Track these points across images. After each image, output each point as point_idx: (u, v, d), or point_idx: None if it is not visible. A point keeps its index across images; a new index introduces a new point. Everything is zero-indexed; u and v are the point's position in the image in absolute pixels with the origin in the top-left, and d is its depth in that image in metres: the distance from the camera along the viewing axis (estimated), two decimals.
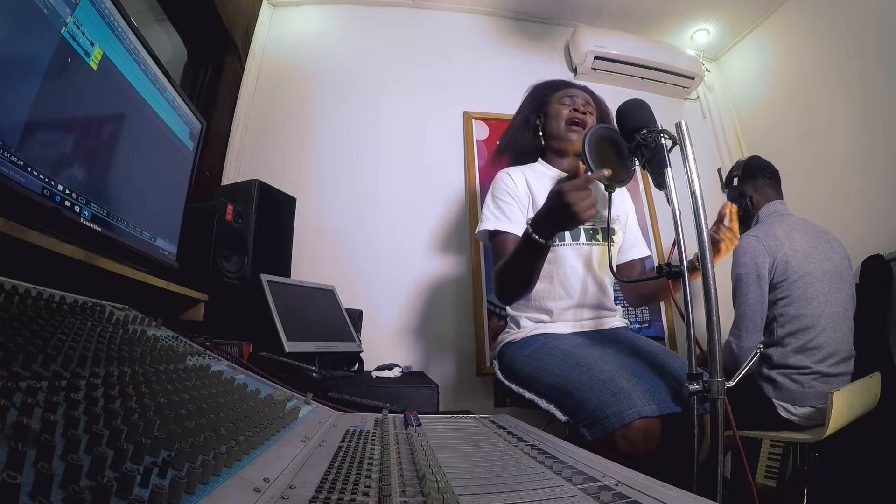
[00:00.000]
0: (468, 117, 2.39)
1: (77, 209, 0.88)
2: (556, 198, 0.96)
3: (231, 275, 1.46)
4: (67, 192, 0.85)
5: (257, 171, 1.83)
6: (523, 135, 1.46)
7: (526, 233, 1.04)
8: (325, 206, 2.14)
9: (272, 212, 1.72)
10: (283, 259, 1.80)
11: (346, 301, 1.74)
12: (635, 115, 1.00)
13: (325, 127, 2.29)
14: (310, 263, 1.97)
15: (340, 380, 1.18)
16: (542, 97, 1.47)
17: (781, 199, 1.69)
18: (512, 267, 1.15)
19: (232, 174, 2.07)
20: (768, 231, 1.55)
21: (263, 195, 1.67)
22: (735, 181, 1.76)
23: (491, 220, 1.29)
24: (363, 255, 2.12)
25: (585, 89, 1.47)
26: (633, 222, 1.44)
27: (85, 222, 0.90)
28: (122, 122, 1.05)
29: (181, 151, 1.34)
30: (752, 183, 1.71)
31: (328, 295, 1.70)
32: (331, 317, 1.64)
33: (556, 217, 0.98)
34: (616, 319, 1.33)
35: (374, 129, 2.32)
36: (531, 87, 1.54)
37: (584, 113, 1.37)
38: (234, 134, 2.15)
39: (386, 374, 1.50)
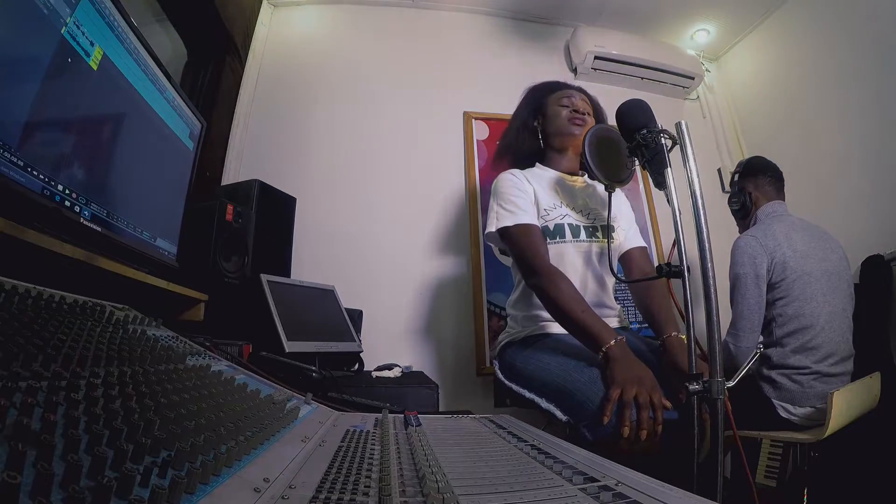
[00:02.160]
0: (468, 117, 2.39)
1: (77, 209, 0.88)
2: (641, 378, 0.93)
3: (231, 275, 1.46)
4: (67, 192, 0.85)
5: (257, 171, 1.83)
6: (523, 137, 1.46)
7: (606, 340, 1.01)
8: (325, 206, 2.14)
9: (272, 212, 1.72)
10: (283, 259, 1.80)
11: (346, 301, 1.74)
12: (635, 116, 1.00)
13: (326, 127, 2.29)
14: (310, 263, 1.97)
15: (340, 380, 1.18)
16: (538, 99, 1.47)
17: (782, 199, 1.69)
18: (564, 317, 1.11)
19: (232, 174, 2.07)
20: (766, 231, 1.55)
21: (263, 195, 1.67)
22: (736, 177, 1.77)
23: (507, 216, 1.25)
24: (363, 255, 2.12)
25: (580, 90, 1.47)
26: (630, 221, 1.44)
27: (85, 222, 0.90)
28: (122, 122, 1.05)
29: (181, 151, 1.34)
30: (752, 180, 1.71)
31: (328, 295, 1.70)
32: (331, 317, 1.64)
33: (634, 376, 0.94)
34: (615, 320, 1.33)
35: (374, 128, 2.32)
36: (526, 89, 1.54)
37: (583, 113, 1.38)
38: (234, 134, 2.15)
39: (386, 374, 1.50)
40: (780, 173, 1.72)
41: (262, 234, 1.60)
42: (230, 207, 1.47)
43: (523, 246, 1.22)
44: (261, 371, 0.86)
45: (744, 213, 1.74)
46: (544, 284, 1.15)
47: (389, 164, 2.28)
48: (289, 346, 1.28)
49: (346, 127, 2.30)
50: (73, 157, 0.89)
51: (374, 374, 1.51)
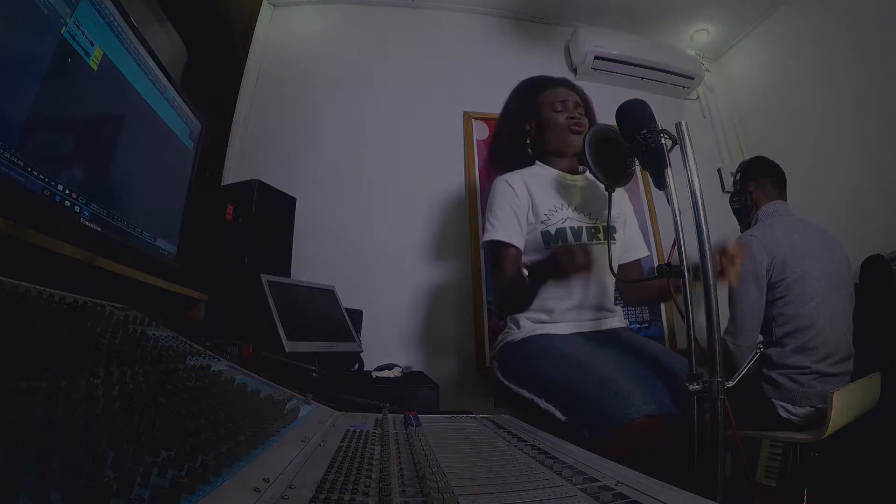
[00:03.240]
0: (468, 117, 2.39)
1: (77, 209, 0.88)
2: (553, 260, 1.09)
3: (231, 275, 1.46)
4: (67, 192, 0.85)
5: (257, 171, 1.83)
6: (517, 144, 1.43)
7: (526, 274, 1.11)
8: (325, 206, 2.14)
9: (272, 212, 1.72)
10: (283, 259, 1.80)
11: (346, 301, 1.74)
12: (635, 116, 1.00)
13: (325, 127, 2.29)
14: (310, 263, 1.97)
15: (340, 380, 1.18)
16: (528, 102, 1.43)
17: (784, 199, 1.69)
18: (511, 291, 1.22)
19: (232, 174, 2.07)
20: (767, 231, 1.55)
21: (263, 195, 1.67)
22: (738, 176, 1.77)
23: (489, 230, 1.30)
24: (363, 255, 2.12)
25: (566, 83, 1.45)
26: (632, 223, 1.44)
27: (85, 222, 0.90)
28: (122, 122, 1.05)
29: (181, 151, 1.34)
30: (754, 180, 1.71)
31: (328, 295, 1.70)
32: (331, 317, 1.64)
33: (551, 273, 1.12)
34: (616, 320, 1.33)
35: (374, 128, 2.32)
36: (513, 91, 1.51)
37: (579, 116, 1.37)
38: (234, 134, 2.15)
39: (386, 374, 1.50)
40: (783, 173, 1.72)
41: (262, 234, 1.60)
42: (230, 207, 1.48)
43: (494, 265, 1.31)
44: (261, 371, 0.86)
45: (745, 213, 1.74)
46: (494, 299, 1.26)
47: (389, 164, 2.28)
48: (289, 346, 1.28)
49: (346, 126, 2.30)
50: (74, 157, 0.89)
51: (374, 374, 1.51)
